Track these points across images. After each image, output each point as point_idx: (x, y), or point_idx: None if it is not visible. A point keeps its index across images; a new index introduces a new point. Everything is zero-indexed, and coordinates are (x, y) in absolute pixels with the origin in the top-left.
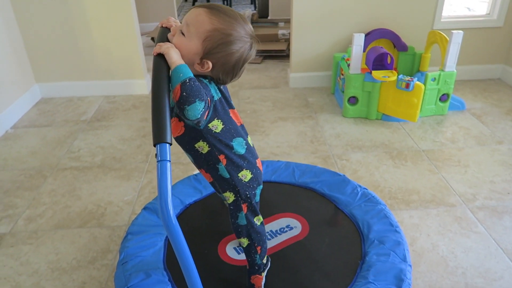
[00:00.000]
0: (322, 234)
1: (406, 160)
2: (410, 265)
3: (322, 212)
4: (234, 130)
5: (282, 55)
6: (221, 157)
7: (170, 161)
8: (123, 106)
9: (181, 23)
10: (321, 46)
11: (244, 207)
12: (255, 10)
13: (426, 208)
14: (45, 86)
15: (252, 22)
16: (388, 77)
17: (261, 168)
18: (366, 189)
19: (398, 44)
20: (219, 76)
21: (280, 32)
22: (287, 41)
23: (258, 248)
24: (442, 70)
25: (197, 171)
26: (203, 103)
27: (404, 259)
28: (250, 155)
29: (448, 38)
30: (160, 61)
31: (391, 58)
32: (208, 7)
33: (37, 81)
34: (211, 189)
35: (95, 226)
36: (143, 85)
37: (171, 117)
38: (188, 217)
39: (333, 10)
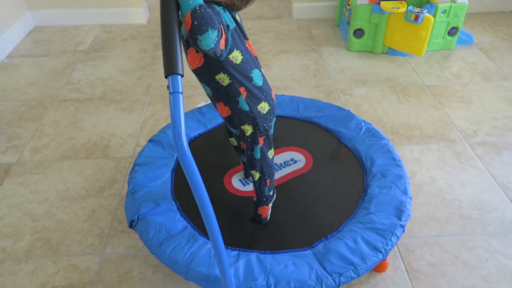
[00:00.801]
0: (325, 168)
1: (410, 95)
2: (410, 198)
3: (325, 146)
4: (252, 61)
5: None
6: (242, 89)
7: (182, 93)
8: (120, 36)
9: None
10: None
11: (261, 140)
12: None
13: (427, 143)
14: (37, 14)
15: None
16: (397, 8)
17: (275, 99)
18: (370, 124)
19: None
20: (234, 1)
21: None
22: None
23: (268, 181)
24: (454, 2)
25: (200, 104)
26: (215, 32)
27: (405, 192)
28: (266, 86)
29: None
30: None
31: None
32: None
33: (29, 8)
34: (215, 122)
35: (100, 157)
36: (140, 14)
37: (187, 47)
38: (193, 150)
39: None
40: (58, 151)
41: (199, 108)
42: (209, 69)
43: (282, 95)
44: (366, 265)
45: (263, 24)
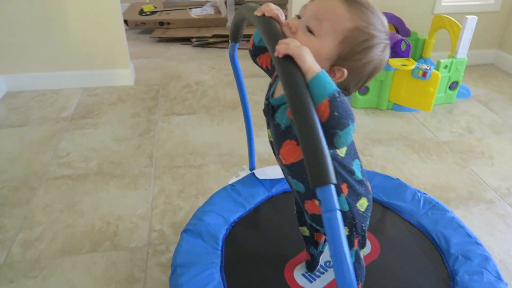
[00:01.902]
0: (395, 251)
1: (431, 153)
2: (506, 284)
3: (387, 225)
4: (354, 150)
5: None
6: (344, 186)
7: (340, 209)
8: (107, 99)
9: (285, 14)
10: None
11: (356, 241)
12: None
13: (466, 206)
14: (11, 78)
15: (235, 4)
16: (406, 65)
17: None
18: (426, 193)
19: (402, 29)
20: (348, 87)
21: None
22: None
23: (359, 285)
24: (454, 57)
25: (232, 180)
26: (354, 125)
27: (498, 277)
28: (365, 178)
29: (459, 24)
30: (291, 66)
31: (407, 44)
32: None
33: (1, 72)
34: (254, 202)
35: (110, 249)
36: (127, 76)
37: (283, 139)
38: (238, 238)
39: None
40: (55, 244)
41: (232, 185)
42: None
43: None
44: None
45: (260, 82)
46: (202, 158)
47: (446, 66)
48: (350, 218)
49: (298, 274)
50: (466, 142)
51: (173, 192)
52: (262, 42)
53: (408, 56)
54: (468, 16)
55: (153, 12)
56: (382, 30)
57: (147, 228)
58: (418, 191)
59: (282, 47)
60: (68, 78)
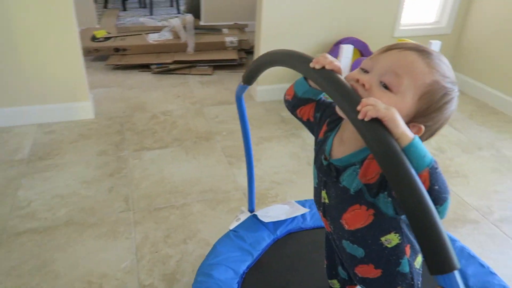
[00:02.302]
0: None
1: None
2: None
3: None
4: None
5: (233, 65)
6: (407, 247)
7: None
8: (67, 137)
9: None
10: None
11: None
12: (179, 13)
13: (455, 227)
14: None
15: (195, 28)
16: None
17: None
18: None
19: (367, 52)
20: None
21: (228, 39)
22: (235, 49)
23: None
24: None
25: (233, 224)
26: (450, 197)
27: None
28: None
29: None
30: (382, 130)
31: None
32: (420, 50)
33: None
34: (259, 248)
35: None
36: (87, 108)
37: (352, 204)
38: None
39: (302, 19)
40: None
41: (234, 230)
42: (377, 229)
43: None
44: None
45: (229, 109)
46: (184, 197)
47: None
48: (409, 279)
49: None
50: (440, 162)
51: (158, 239)
52: (307, 94)
53: None
54: (432, 41)
55: (106, 38)
56: (454, 81)
57: (136, 284)
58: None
59: (370, 109)
60: (19, 114)
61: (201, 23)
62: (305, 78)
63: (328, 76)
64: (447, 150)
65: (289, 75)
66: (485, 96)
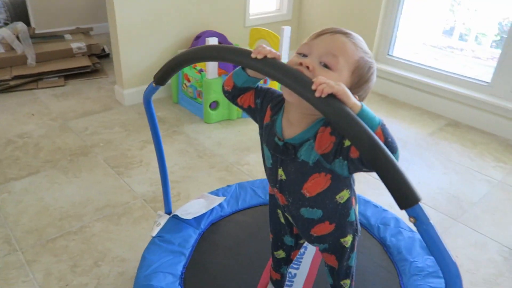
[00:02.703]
0: None
1: None
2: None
3: None
4: None
5: (87, 72)
6: (353, 199)
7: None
8: None
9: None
10: (151, 56)
11: (355, 244)
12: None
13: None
14: None
15: (31, 37)
16: None
17: None
18: None
19: (226, 43)
20: None
21: (74, 45)
22: (85, 55)
23: (353, 283)
24: None
25: (154, 231)
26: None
27: (411, 230)
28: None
29: (276, 35)
30: (338, 103)
31: None
32: (345, 32)
33: None
34: (189, 246)
35: None
36: None
37: (312, 173)
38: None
39: (157, 17)
40: None
41: (158, 236)
42: (332, 190)
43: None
44: None
45: (97, 119)
46: (79, 220)
47: None
48: (354, 225)
49: None
50: None
51: (64, 271)
52: (247, 83)
53: None
54: (284, 27)
55: None
56: (372, 56)
57: None
58: None
59: (325, 87)
60: None
61: (37, 31)
62: (243, 69)
63: (275, 64)
64: None
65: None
66: None
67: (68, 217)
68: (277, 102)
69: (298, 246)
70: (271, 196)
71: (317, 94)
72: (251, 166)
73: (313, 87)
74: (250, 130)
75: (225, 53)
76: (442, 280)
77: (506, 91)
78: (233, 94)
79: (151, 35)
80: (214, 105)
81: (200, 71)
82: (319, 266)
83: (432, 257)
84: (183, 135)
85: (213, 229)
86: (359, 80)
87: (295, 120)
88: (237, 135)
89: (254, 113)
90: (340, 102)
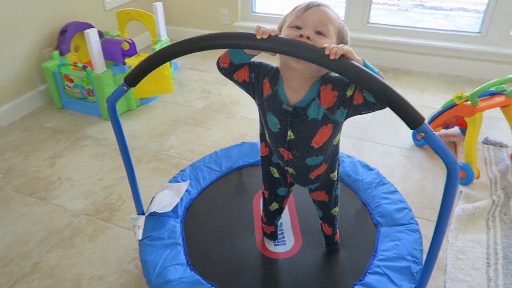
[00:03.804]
0: None
1: (215, 117)
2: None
3: None
4: None
5: None
6: (339, 135)
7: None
8: None
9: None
10: (16, 64)
11: (338, 176)
12: None
13: None
14: None
15: None
16: None
17: None
18: None
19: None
20: None
21: None
22: None
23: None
24: (160, 41)
25: (139, 235)
26: None
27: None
28: None
29: (148, 13)
30: (348, 61)
31: (129, 43)
32: (324, 4)
33: None
34: (179, 235)
35: None
36: None
37: (320, 127)
38: (206, 264)
39: (12, 22)
40: None
41: (146, 236)
42: (334, 136)
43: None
44: None
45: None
46: (27, 258)
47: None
48: (339, 161)
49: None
50: (218, 101)
51: None
52: (243, 60)
53: (136, 53)
54: (156, 3)
55: None
56: None
57: None
58: None
59: (335, 50)
60: None
61: None
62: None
63: (284, 41)
64: (199, 88)
65: (25, 84)
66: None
67: (13, 261)
68: (273, 74)
69: (288, 194)
70: (264, 158)
71: (332, 57)
72: (177, 148)
73: (327, 52)
74: (156, 115)
75: (230, 40)
76: (387, 186)
77: (497, 39)
78: (229, 71)
79: (7, 43)
80: None
81: (84, 67)
82: (296, 210)
83: (373, 170)
84: (90, 139)
85: (190, 213)
86: (342, 41)
87: (297, 86)
88: (146, 123)
89: (249, 86)
90: (350, 59)
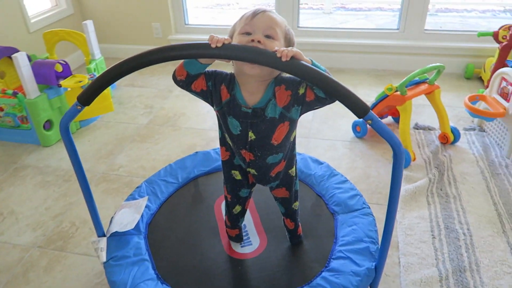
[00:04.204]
0: None
1: (153, 136)
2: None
3: None
4: None
5: None
6: (295, 132)
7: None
8: None
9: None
10: None
11: (296, 171)
12: None
13: None
14: None
15: None
16: (82, 81)
17: None
18: None
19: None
20: None
21: None
22: None
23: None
24: (94, 60)
25: (103, 257)
26: None
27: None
28: None
29: (78, 32)
30: (299, 61)
31: (63, 65)
32: (269, 10)
33: None
34: (144, 250)
35: None
36: None
37: (277, 124)
38: (179, 275)
39: None
40: None
41: (110, 258)
42: (291, 132)
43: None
44: None
45: None
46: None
47: (95, 69)
48: (295, 156)
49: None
50: (162, 114)
51: None
52: (199, 70)
53: (71, 74)
54: (86, 22)
55: None
56: None
57: None
58: None
59: (286, 53)
60: None
61: None
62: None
63: (238, 48)
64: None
65: None
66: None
67: None
68: (229, 80)
69: (250, 195)
70: (225, 162)
71: (283, 59)
72: (126, 166)
73: (278, 54)
74: (99, 135)
75: (187, 50)
76: (338, 177)
77: (414, 33)
78: (187, 82)
79: None
80: (48, 125)
81: (15, 93)
82: (257, 210)
83: (323, 164)
84: (30, 168)
85: (153, 228)
86: (289, 42)
87: (254, 90)
88: (90, 145)
89: (206, 94)
90: (300, 60)
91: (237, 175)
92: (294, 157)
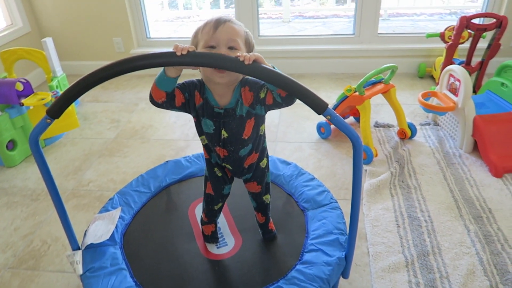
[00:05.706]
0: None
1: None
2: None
3: None
4: None
5: None
6: (263, 126)
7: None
8: None
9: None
10: None
11: (268, 164)
12: None
13: None
14: None
15: None
16: (45, 99)
17: None
18: None
19: None
20: None
21: None
22: None
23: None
24: (56, 77)
25: (79, 269)
26: None
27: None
28: None
29: (37, 50)
30: (261, 65)
31: (24, 83)
32: (229, 19)
33: None
34: (121, 260)
35: None
36: None
37: (245, 120)
38: (156, 278)
39: None
40: None
41: (87, 269)
42: (257, 125)
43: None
44: None
45: None
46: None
47: (57, 86)
48: (266, 149)
49: (214, 248)
50: (129, 128)
51: None
52: (173, 85)
53: (33, 92)
54: (45, 39)
55: None
56: None
57: None
58: None
59: (248, 57)
60: None
61: None
62: (165, 74)
63: (204, 55)
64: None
65: None
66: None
67: None
68: (200, 86)
69: (229, 191)
70: (208, 160)
71: (246, 63)
72: (96, 181)
73: (241, 59)
74: (66, 152)
75: (154, 59)
76: (306, 175)
77: (368, 38)
78: (168, 101)
79: None
80: (11, 145)
81: None
82: (230, 211)
83: (291, 164)
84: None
85: (128, 238)
86: (250, 47)
87: (223, 93)
88: (57, 162)
89: (185, 105)
90: (261, 64)
91: (217, 172)
92: (265, 150)
